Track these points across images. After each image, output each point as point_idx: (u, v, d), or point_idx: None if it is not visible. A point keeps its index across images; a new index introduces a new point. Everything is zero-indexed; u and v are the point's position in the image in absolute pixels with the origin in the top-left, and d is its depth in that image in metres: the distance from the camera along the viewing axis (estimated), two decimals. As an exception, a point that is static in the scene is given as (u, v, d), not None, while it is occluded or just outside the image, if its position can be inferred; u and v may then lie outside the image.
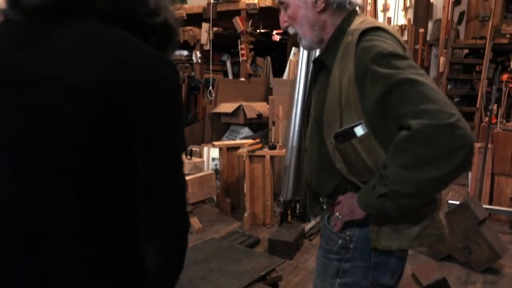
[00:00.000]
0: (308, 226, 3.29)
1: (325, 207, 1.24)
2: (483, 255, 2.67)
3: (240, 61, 5.64)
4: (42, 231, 0.69)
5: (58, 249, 0.69)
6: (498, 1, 6.41)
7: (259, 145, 3.49)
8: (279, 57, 6.69)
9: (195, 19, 5.70)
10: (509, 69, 6.41)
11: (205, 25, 5.54)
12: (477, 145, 3.81)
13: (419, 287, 2.26)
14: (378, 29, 1.07)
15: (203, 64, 5.82)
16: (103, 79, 0.65)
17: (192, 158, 3.49)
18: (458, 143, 0.90)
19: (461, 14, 7.32)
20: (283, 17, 1.19)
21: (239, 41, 5.53)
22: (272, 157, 3.41)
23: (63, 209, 0.69)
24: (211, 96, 5.32)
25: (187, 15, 5.82)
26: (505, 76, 5.94)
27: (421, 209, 1.08)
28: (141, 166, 0.70)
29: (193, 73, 6.03)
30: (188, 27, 5.86)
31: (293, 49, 5.09)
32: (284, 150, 3.40)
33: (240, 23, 5.40)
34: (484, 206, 3.17)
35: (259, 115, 4.88)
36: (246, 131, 4.85)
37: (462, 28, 7.26)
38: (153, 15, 0.74)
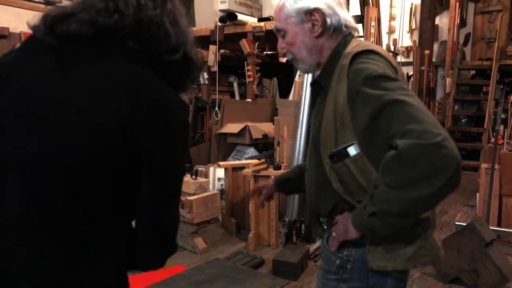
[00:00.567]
0: (313, 247, 3.26)
1: (325, 227, 1.24)
2: (491, 278, 2.62)
3: (247, 82, 5.70)
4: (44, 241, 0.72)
5: (58, 254, 0.73)
6: (504, 23, 6.47)
7: (264, 165, 3.50)
8: (286, 78, 6.76)
9: (203, 41, 5.81)
10: (515, 90, 6.40)
11: (212, 47, 5.64)
12: (484, 166, 3.79)
13: (425, 310, 2.21)
14: (370, 52, 1.09)
15: (210, 85, 5.90)
16: (121, 114, 0.71)
17: (198, 178, 3.49)
18: (444, 162, 0.90)
19: (467, 36, 7.37)
20: (281, 44, 1.22)
21: (245, 62, 5.61)
22: (277, 177, 3.40)
23: (70, 230, 0.73)
24: (217, 116, 5.38)
25: (195, 37, 5.88)
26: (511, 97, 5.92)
27: (415, 229, 1.08)
28: (146, 198, 0.77)
29: (200, 94, 6.10)
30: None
31: (299, 71, 5.13)
32: (289, 170, 3.40)
33: (246, 45, 5.49)
34: (492, 228, 3.11)
35: (265, 136, 4.90)
36: (251, 151, 4.86)
37: (468, 49, 7.30)
38: (174, 51, 0.80)
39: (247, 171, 3.47)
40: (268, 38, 5.64)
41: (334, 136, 1.09)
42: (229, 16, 5.62)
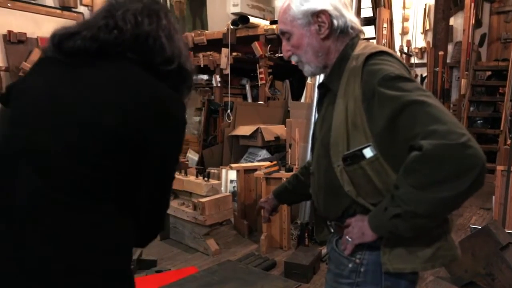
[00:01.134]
0: (325, 250, 3.25)
1: (332, 230, 1.24)
2: (507, 282, 2.57)
3: (259, 85, 5.72)
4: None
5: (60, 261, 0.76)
6: (520, 22, 6.35)
7: (276, 168, 3.50)
8: (298, 80, 6.75)
9: (215, 44, 5.84)
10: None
11: (224, 50, 5.67)
12: (500, 168, 3.72)
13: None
14: (383, 53, 1.09)
15: (222, 88, 5.93)
16: (125, 109, 0.79)
17: (210, 180, 3.51)
18: (470, 162, 0.90)
19: (483, 36, 7.27)
20: (285, 46, 1.22)
21: (258, 65, 5.62)
22: (288, 179, 3.40)
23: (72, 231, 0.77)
24: (229, 119, 5.40)
25: (208, 40, 5.98)
26: (528, 98, 5.80)
27: (434, 230, 1.07)
28: (144, 184, 0.84)
29: (212, 97, 6.13)
30: (209, 52, 6.01)
31: (304, 73, 5.12)
32: (300, 173, 3.39)
33: (259, 48, 5.50)
34: (508, 231, 3.06)
35: (277, 138, 4.90)
36: (264, 153, 4.87)
37: (484, 50, 7.20)
38: (169, 62, 0.89)
39: (259, 173, 3.47)
40: (280, 40, 5.63)
41: (345, 138, 1.08)
42: (241, 19, 5.64)
